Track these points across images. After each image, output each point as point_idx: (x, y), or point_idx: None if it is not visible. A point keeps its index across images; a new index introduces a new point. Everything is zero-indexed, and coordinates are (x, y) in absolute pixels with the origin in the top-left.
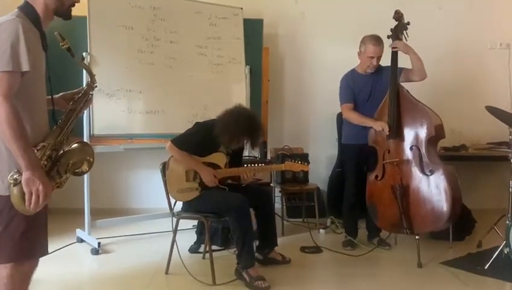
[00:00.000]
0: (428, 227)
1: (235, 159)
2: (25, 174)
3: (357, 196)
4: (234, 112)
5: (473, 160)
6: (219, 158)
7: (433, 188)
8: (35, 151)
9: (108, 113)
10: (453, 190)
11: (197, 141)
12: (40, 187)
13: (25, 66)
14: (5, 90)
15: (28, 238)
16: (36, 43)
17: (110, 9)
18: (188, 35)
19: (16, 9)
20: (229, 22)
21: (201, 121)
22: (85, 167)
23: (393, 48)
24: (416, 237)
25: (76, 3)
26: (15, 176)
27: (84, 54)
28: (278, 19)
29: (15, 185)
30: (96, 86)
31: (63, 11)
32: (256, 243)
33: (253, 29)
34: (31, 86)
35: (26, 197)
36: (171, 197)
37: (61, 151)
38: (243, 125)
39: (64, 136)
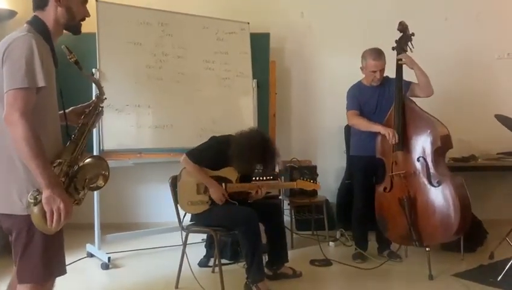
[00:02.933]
0: (438, 239)
1: (247, 174)
2: (45, 193)
3: (366, 208)
4: (249, 137)
5: (483, 170)
6: (231, 173)
7: (441, 199)
8: (53, 168)
9: (117, 129)
10: (462, 201)
11: (211, 155)
12: (61, 205)
13: (41, 82)
14: (22, 108)
15: (47, 259)
16: (48, 58)
17: (119, 26)
18: (195, 51)
19: (26, 24)
20: (236, 36)
21: (217, 135)
22: (100, 182)
23: (398, 60)
24: (427, 249)
25: (86, 18)
26: (35, 195)
27: (93, 70)
28: (285, 32)
29: (35, 204)
30: (105, 98)
31: (74, 26)
32: (265, 259)
33: (260, 43)
34: (44, 102)
35: (48, 216)
36: (180, 210)
37: (77, 167)
38: (257, 153)
39: (79, 151)
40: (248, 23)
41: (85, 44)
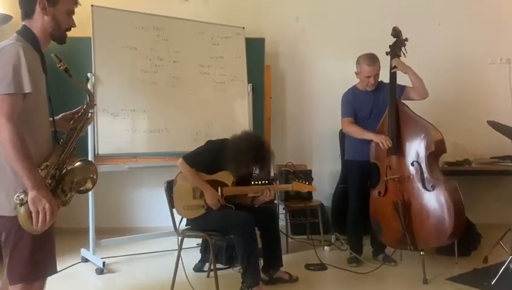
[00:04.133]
0: (432, 243)
1: (243, 178)
2: (31, 194)
3: (361, 212)
4: (243, 140)
5: (477, 174)
6: (226, 176)
7: (435, 203)
8: (40, 171)
9: (112, 133)
10: (456, 204)
11: (208, 158)
12: (47, 205)
13: (27, 88)
14: (8, 112)
15: (36, 259)
16: (37, 65)
17: (114, 30)
18: (190, 55)
19: (15, 34)
20: (231, 41)
21: (214, 139)
22: (89, 185)
23: (392, 68)
24: (421, 253)
25: (72, 28)
26: (21, 196)
27: (88, 74)
28: (279, 37)
29: (21, 205)
30: (95, 104)
31: (59, 35)
32: (261, 264)
33: (255, 48)
34: (33, 108)
35: (33, 216)
36: (176, 214)
37: (65, 170)
38: (252, 153)
39: (67, 155)
40: (243, 28)
41: (80, 48)
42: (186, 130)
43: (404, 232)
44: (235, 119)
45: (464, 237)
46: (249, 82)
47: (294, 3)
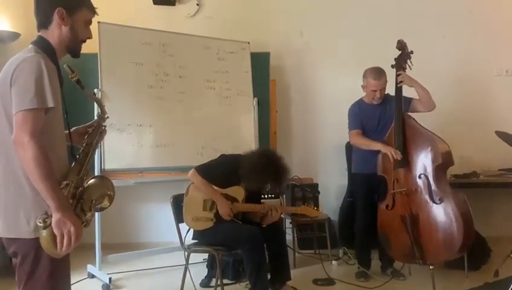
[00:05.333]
0: (441, 256)
1: (253, 195)
2: (55, 216)
3: (369, 225)
4: (262, 156)
5: (485, 187)
6: (237, 192)
7: (443, 216)
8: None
9: (118, 148)
10: (464, 217)
11: (220, 172)
12: (72, 229)
13: (50, 102)
14: (32, 129)
15: (53, 283)
16: (55, 78)
17: (121, 46)
18: (196, 70)
19: (31, 45)
20: (237, 56)
21: (227, 154)
22: (106, 203)
23: (398, 82)
24: (431, 267)
25: (88, 39)
26: (44, 218)
27: (95, 90)
28: (284, 51)
29: (45, 227)
30: (107, 117)
31: (74, 46)
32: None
33: (260, 62)
34: (53, 122)
35: (58, 239)
36: (183, 229)
37: (81, 188)
38: (270, 171)
39: (85, 172)
40: (248, 42)
41: (87, 64)
42: (192, 144)
43: (413, 246)
44: (241, 133)
45: (474, 250)
46: (254, 96)
47: (298, 17)
